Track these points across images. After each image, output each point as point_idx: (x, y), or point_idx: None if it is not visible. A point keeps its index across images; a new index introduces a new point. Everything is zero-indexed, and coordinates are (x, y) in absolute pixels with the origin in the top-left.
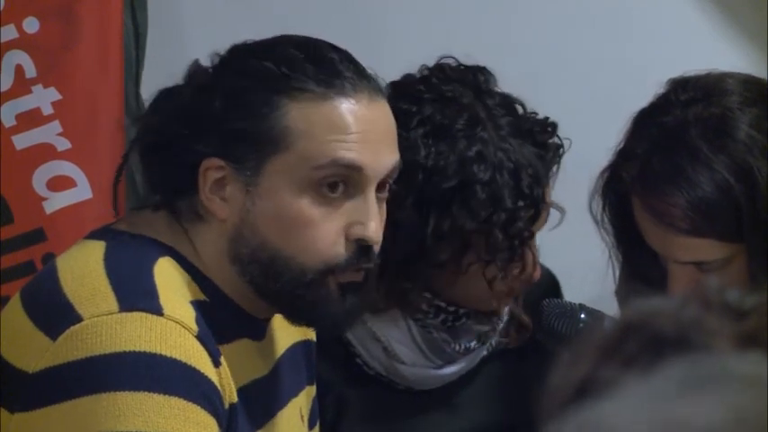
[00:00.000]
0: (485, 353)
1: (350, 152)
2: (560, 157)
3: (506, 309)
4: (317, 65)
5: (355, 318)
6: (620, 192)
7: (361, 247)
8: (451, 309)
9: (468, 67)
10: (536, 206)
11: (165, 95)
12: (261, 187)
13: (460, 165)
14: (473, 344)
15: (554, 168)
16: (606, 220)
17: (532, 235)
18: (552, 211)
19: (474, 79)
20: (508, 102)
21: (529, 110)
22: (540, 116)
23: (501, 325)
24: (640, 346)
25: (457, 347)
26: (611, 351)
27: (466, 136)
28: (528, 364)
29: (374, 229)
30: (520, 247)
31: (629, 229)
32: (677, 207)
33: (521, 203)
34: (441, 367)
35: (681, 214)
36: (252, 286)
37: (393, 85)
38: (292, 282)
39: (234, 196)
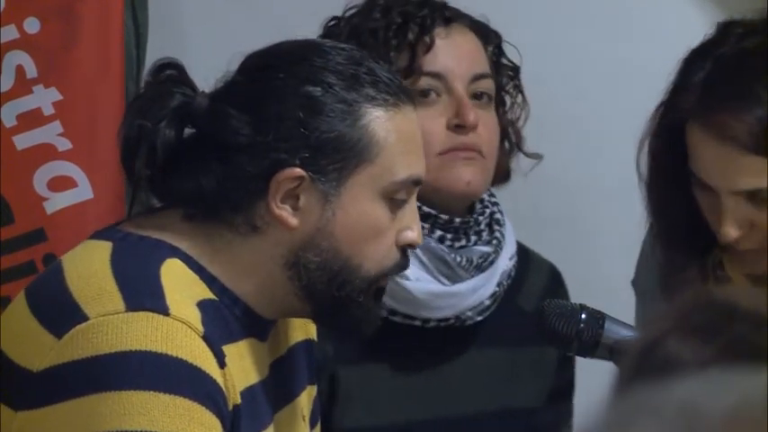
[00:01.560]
0: (495, 288)
1: (418, 167)
2: (516, 76)
3: (505, 240)
4: (375, 74)
5: (377, 323)
6: (675, 125)
7: (404, 252)
8: (430, 211)
9: None
10: (432, 18)
11: (216, 107)
12: (343, 197)
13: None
14: (475, 258)
15: (506, 75)
16: (651, 172)
17: (432, 42)
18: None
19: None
20: None
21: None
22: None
23: (504, 259)
24: (711, 316)
25: (458, 259)
26: (680, 319)
27: None
28: (519, 355)
29: (419, 232)
30: (416, 58)
31: (676, 176)
32: (742, 123)
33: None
34: (449, 286)
35: (746, 130)
36: (304, 290)
37: None
38: (356, 290)
39: (309, 205)
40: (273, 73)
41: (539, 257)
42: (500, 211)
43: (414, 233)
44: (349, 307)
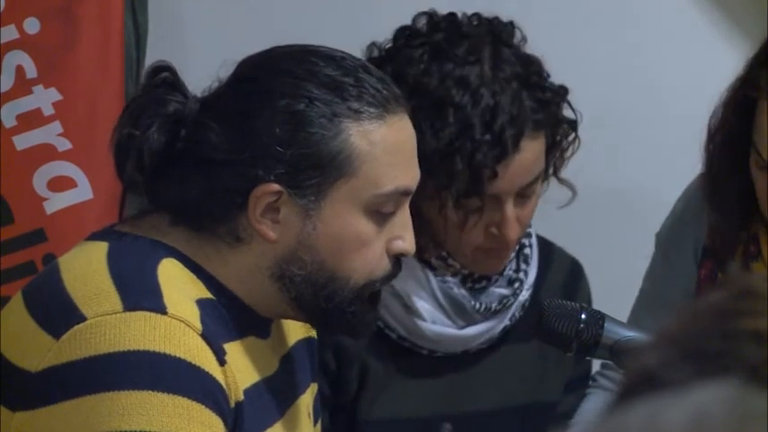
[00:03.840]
0: (507, 322)
1: (406, 178)
2: (573, 130)
3: (527, 280)
4: (362, 85)
5: (374, 325)
6: (748, 100)
7: (396, 260)
8: (453, 263)
9: (498, 20)
10: (503, 146)
11: (198, 121)
12: (323, 211)
13: (440, 82)
14: (494, 305)
15: (562, 136)
16: (715, 138)
17: (495, 175)
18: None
19: (498, 29)
20: (525, 57)
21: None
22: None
23: (524, 297)
24: (712, 337)
25: (477, 305)
26: (676, 340)
27: (458, 62)
28: (546, 350)
29: (412, 241)
30: (481, 181)
31: (737, 147)
32: None
33: (487, 137)
34: (462, 328)
35: None
36: (295, 302)
37: (416, 15)
38: (344, 301)
39: (289, 219)
40: (256, 87)
41: (561, 252)
42: (530, 245)
43: (405, 242)
44: (340, 316)
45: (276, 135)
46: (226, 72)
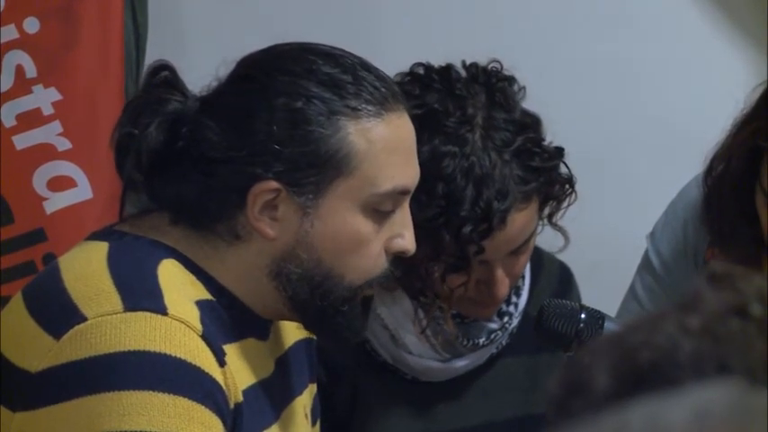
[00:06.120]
0: (494, 350)
1: (405, 177)
2: (569, 186)
3: (518, 310)
4: (360, 83)
5: (363, 332)
6: (756, 146)
7: (393, 259)
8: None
9: (496, 74)
10: (489, 221)
11: (196, 119)
12: (321, 209)
13: (430, 155)
14: (482, 340)
15: (557, 193)
16: (722, 175)
17: (481, 250)
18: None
19: (494, 89)
20: (519, 122)
21: (542, 135)
22: (551, 144)
23: (512, 325)
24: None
25: (465, 342)
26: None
27: (448, 132)
28: (537, 362)
29: (412, 239)
30: (467, 257)
31: (743, 185)
32: None
33: (474, 213)
34: (448, 361)
35: None
36: (291, 301)
37: (414, 66)
38: (339, 299)
39: (287, 217)
40: (255, 85)
41: (550, 258)
42: (522, 275)
43: (405, 241)
44: (334, 316)
45: (274, 133)
46: (225, 71)
